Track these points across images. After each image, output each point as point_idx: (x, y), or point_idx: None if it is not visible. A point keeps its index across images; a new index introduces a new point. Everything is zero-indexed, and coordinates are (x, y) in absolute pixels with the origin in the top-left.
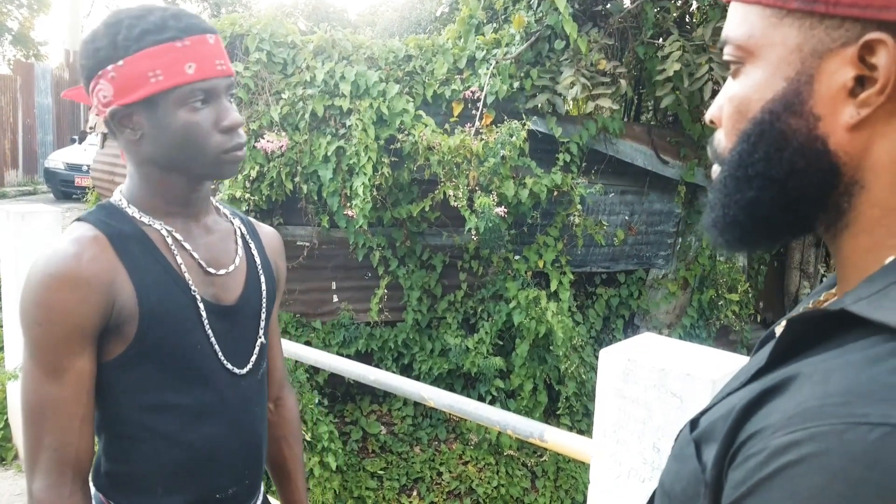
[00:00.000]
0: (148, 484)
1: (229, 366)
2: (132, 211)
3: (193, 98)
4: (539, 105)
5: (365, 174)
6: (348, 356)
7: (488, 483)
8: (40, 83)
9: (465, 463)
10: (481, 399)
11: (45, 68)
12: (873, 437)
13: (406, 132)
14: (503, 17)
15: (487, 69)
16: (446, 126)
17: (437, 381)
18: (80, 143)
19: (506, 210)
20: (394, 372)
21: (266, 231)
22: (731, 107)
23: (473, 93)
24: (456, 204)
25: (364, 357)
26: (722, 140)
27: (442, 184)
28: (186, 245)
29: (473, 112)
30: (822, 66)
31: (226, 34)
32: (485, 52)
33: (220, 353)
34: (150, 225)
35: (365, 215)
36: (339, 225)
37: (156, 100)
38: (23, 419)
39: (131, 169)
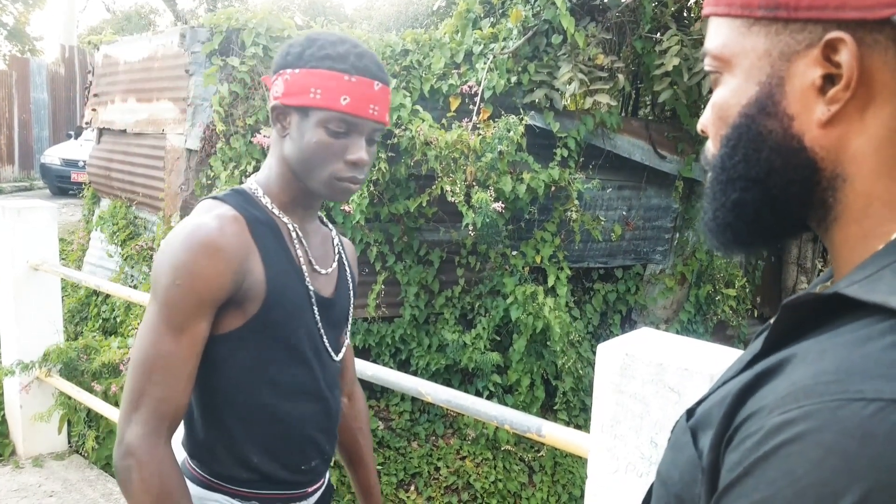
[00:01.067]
0: (244, 453)
1: (331, 351)
2: (266, 201)
3: (335, 124)
4: (537, 100)
5: None
6: None
7: (486, 478)
8: (36, 78)
9: (463, 458)
10: (479, 394)
11: (40, 63)
12: (867, 412)
13: (403, 127)
14: (500, 11)
15: (485, 64)
16: (443, 121)
17: (434, 377)
18: (76, 138)
19: (503, 205)
20: (391, 368)
21: (347, 242)
22: (713, 114)
23: (471, 87)
24: (453, 199)
25: (362, 352)
26: (710, 147)
27: (439, 179)
28: (304, 241)
29: (471, 107)
30: (790, 68)
31: (221, 29)
32: (482, 46)
33: (325, 339)
34: (278, 216)
35: (362, 211)
36: (336, 220)
37: (308, 111)
38: (133, 367)
39: (272, 161)
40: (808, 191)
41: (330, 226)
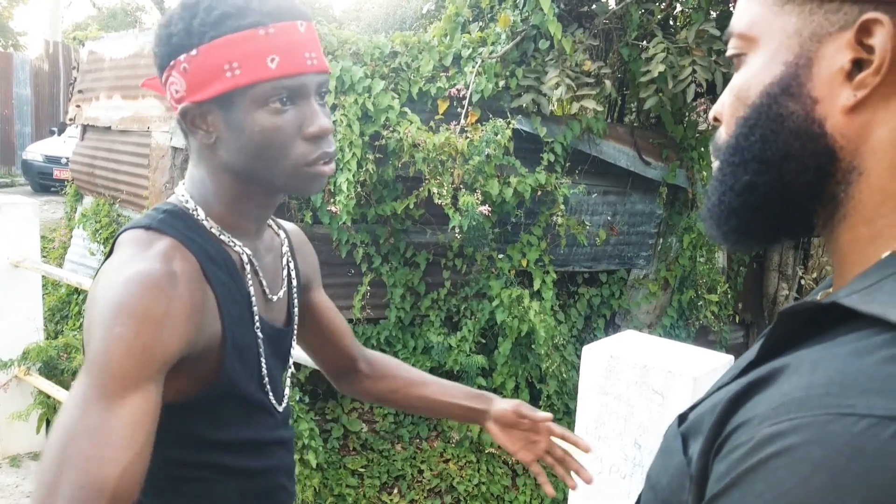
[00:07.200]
0: None
1: (271, 397)
2: (210, 224)
3: (275, 97)
4: (524, 104)
5: (349, 170)
6: None
7: (469, 481)
8: (19, 74)
9: (447, 461)
10: None
11: (23, 59)
12: (858, 428)
13: (391, 129)
14: (489, 15)
15: (473, 67)
16: (431, 123)
17: None
18: (59, 134)
19: (490, 209)
20: None
21: (293, 232)
22: (731, 96)
23: (459, 91)
24: (440, 202)
25: None
26: (722, 133)
27: (426, 181)
28: (258, 270)
29: (459, 110)
30: (820, 49)
31: None
32: (471, 50)
33: (276, 380)
34: (230, 245)
35: (349, 212)
36: (323, 221)
37: (232, 97)
38: (49, 440)
39: (203, 174)
40: (822, 181)
41: (279, 230)
